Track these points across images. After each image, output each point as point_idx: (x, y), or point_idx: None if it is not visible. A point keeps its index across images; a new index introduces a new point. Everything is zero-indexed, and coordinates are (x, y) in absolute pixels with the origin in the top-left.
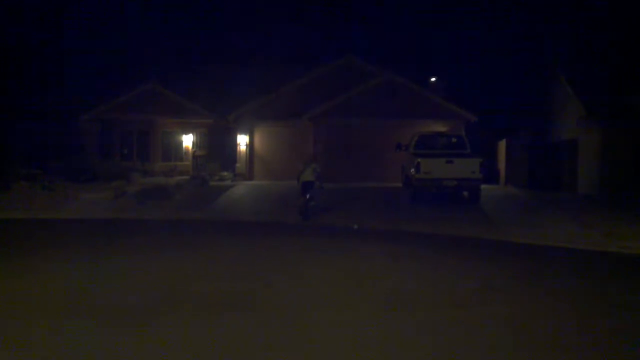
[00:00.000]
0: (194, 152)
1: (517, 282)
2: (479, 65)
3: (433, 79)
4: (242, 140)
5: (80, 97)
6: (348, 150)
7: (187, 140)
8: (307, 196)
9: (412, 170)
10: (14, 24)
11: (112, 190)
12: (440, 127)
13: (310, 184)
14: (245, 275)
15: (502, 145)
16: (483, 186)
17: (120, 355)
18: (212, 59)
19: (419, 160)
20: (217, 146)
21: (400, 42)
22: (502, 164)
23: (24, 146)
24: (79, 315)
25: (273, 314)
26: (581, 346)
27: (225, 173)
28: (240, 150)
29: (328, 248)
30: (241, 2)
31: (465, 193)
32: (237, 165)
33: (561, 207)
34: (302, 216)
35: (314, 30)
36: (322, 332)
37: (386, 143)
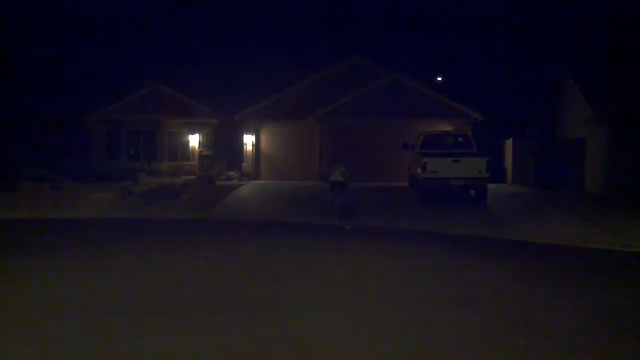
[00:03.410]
0: (200, 152)
1: (523, 281)
2: (486, 65)
3: (439, 79)
4: (249, 140)
5: (87, 98)
6: (354, 150)
7: (194, 141)
8: (336, 194)
9: (419, 170)
10: (19, 26)
11: (119, 190)
12: (446, 127)
13: (338, 184)
14: (258, 276)
15: (509, 144)
16: (490, 185)
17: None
18: (217, 59)
19: (426, 160)
20: (223, 146)
21: (406, 42)
22: (509, 163)
23: (31, 147)
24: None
25: (291, 312)
26: (584, 345)
27: (232, 173)
28: (247, 150)
29: (337, 248)
30: (248, 3)
31: (473, 192)
32: (244, 165)
33: (568, 206)
34: (338, 217)
35: (320, 31)
36: (332, 328)
37: (392, 143)
